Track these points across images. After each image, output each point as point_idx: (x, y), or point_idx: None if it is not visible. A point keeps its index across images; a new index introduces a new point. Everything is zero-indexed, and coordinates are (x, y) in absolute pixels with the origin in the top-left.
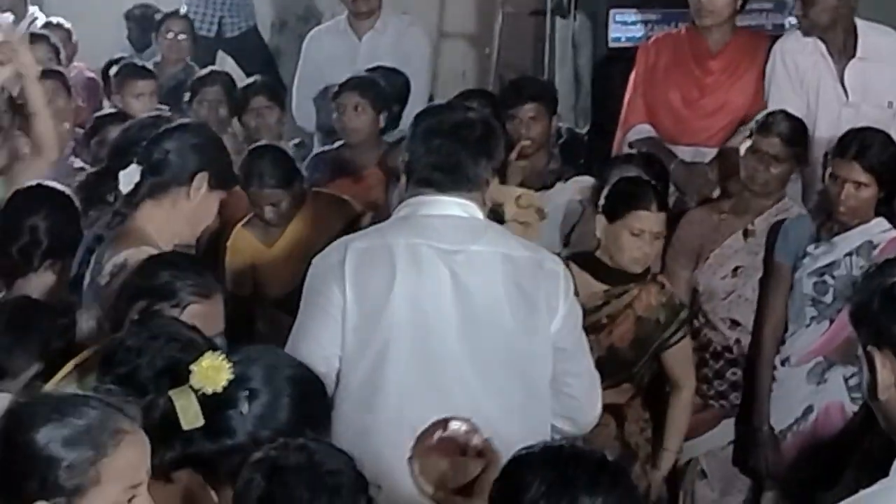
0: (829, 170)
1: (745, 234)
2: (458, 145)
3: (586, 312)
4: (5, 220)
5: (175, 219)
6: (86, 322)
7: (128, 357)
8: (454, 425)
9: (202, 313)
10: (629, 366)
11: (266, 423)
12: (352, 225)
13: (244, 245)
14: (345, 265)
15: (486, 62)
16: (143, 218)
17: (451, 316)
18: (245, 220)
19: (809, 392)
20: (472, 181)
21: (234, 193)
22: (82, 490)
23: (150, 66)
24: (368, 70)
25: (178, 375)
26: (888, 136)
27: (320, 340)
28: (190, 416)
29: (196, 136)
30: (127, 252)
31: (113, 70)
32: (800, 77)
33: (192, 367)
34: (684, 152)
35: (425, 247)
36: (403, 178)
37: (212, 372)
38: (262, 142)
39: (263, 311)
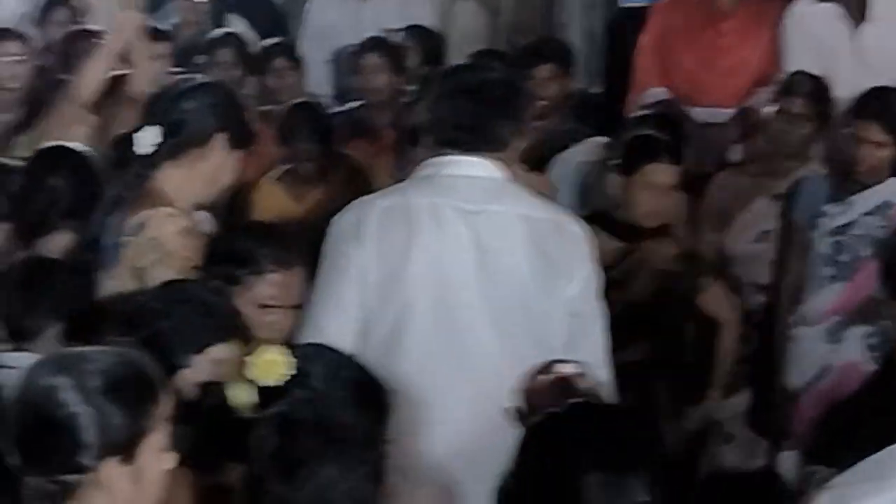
0: (846, 129)
1: (774, 197)
2: (480, 105)
3: (603, 270)
4: (25, 181)
5: (194, 179)
6: (106, 283)
7: (150, 319)
8: (564, 367)
9: (282, 283)
10: (647, 321)
11: None
12: None
13: (272, 201)
14: (366, 224)
15: (496, 23)
16: (162, 179)
17: (471, 276)
18: (275, 175)
19: (826, 351)
20: (495, 141)
21: (252, 152)
22: (139, 439)
23: (164, 27)
24: (403, 30)
25: (201, 341)
26: None
27: (340, 302)
28: (244, 407)
29: (214, 95)
30: (146, 213)
31: None
32: (815, 41)
33: (251, 358)
34: (700, 114)
35: (446, 207)
36: (425, 138)
37: (271, 365)
38: (303, 98)
39: None
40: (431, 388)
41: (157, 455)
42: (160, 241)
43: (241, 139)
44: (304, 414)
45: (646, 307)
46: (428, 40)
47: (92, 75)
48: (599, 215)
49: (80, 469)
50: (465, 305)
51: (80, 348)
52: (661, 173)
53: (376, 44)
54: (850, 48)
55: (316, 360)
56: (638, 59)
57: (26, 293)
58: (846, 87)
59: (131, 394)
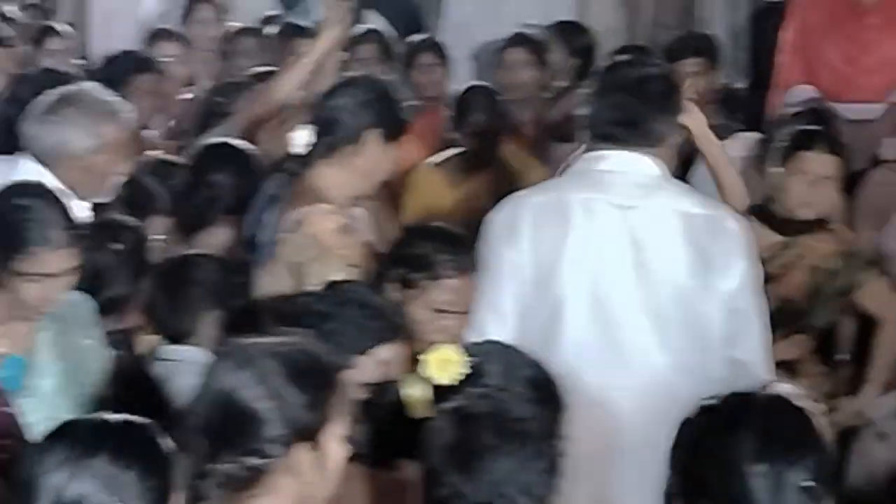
0: None
1: None
2: (638, 100)
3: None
4: (190, 175)
5: (349, 176)
6: (262, 279)
7: (315, 321)
8: (782, 387)
9: (456, 288)
10: (803, 316)
11: None
12: None
13: (429, 185)
14: (520, 220)
15: (632, 18)
16: (318, 176)
17: (627, 273)
18: (437, 160)
19: None
20: (652, 136)
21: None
22: (322, 425)
23: (308, 24)
24: (551, 25)
25: (366, 342)
26: None
27: (498, 305)
28: (419, 406)
29: (365, 91)
30: (303, 210)
31: (271, 29)
32: None
33: (427, 356)
34: (847, 110)
35: (602, 202)
36: (583, 133)
37: (446, 364)
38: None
39: None
40: (587, 383)
41: (338, 443)
42: (317, 237)
43: (395, 133)
44: (482, 407)
45: (802, 302)
46: (576, 36)
47: (290, 82)
48: (757, 209)
49: (270, 455)
50: (621, 301)
51: (256, 339)
52: (816, 162)
53: (521, 39)
54: None
55: (493, 358)
56: (780, 57)
57: (182, 289)
58: None
59: (312, 381)
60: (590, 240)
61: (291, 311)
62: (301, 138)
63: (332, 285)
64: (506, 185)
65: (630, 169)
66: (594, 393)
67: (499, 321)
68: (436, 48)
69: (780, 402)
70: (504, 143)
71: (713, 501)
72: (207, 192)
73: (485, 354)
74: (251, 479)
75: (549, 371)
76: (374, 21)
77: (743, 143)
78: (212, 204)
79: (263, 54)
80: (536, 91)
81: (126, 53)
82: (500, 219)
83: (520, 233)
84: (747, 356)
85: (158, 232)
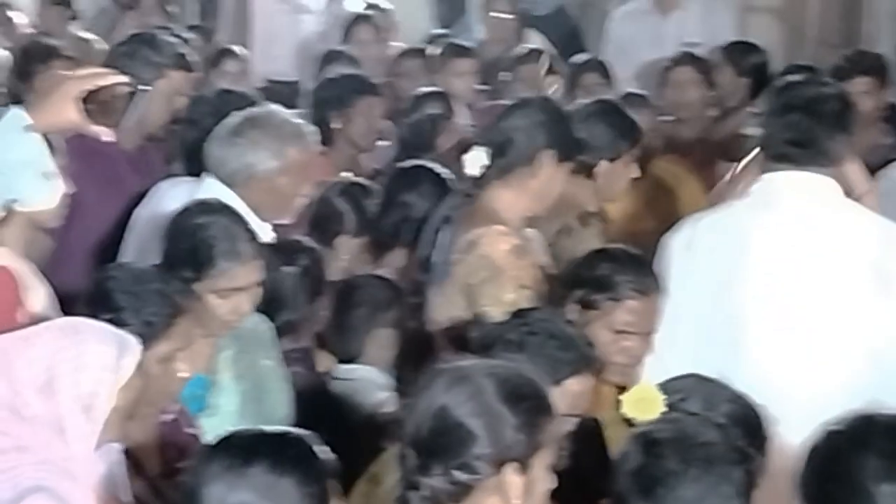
0: None
1: None
2: (813, 120)
3: None
4: (384, 195)
5: (523, 197)
6: (435, 299)
7: (507, 350)
8: None
9: (639, 310)
10: None
11: None
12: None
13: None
14: (696, 242)
15: (794, 37)
16: (491, 198)
17: (805, 294)
18: None
19: None
20: (828, 156)
21: None
22: (534, 450)
23: (468, 44)
24: (720, 46)
25: (557, 373)
26: None
27: (674, 330)
28: (619, 442)
29: (539, 112)
30: (478, 231)
31: (432, 49)
32: None
33: (626, 397)
34: None
35: (778, 223)
36: (757, 154)
37: (644, 404)
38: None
39: None
40: (767, 398)
41: (546, 472)
42: (491, 258)
43: (569, 151)
44: (666, 432)
45: None
46: (746, 55)
47: None
48: None
49: (478, 472)
50: (800, 322)
51: (473, 359)
52: None
53: (687, 58)
54: None
55: (691, 394)
56: None
57: (350, 309)
58: None
59: (526, 404)
60: (767, 261)
61: (479, 337)
62: (475, 159)
63: (520, 313)
64: (660, 203)
65: (806, 188)
66: (774, 408)
67: (678, 344)
68: (600, 67)
69: None
70: (660, 160)
71: None
72: (401, 213)
73: (684, 390)
74: (458, 494)
75: (750, 403)
76: (535, 40)
77: None
78: (403, 224)
79: (427, 75)
80: (702, 110)
81: (349, 76)
82: (676, 240)
83: (695, 254)
84: None
85: (346, 253)
